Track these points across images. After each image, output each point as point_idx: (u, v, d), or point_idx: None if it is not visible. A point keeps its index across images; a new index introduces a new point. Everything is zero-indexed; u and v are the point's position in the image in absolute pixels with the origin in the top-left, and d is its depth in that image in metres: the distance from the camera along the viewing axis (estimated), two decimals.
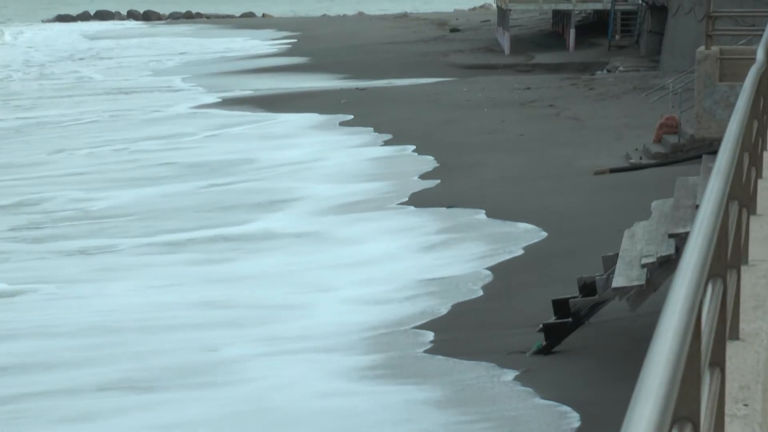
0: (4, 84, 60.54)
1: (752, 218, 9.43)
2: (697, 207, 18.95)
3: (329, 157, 35.42)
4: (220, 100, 49.81)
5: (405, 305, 20.39)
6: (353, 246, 24.88)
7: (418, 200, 28.44)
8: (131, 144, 39.02)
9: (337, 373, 17.42)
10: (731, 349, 6.50)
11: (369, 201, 28.95)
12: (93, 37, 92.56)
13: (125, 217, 28.24)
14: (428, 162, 33.06)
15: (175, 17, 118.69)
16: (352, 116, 42.68)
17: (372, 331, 19.04)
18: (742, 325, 7.30)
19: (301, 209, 28.45)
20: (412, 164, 33.23)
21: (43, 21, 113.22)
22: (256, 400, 16.53)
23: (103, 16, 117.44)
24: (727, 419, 5.77)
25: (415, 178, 31.31)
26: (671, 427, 3.63)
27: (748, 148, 8.74)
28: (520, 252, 23.17)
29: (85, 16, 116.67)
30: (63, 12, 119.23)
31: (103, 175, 33.97)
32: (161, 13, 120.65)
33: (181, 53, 75.03)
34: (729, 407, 5.93)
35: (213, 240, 25.61)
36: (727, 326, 6.16)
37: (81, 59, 73.99)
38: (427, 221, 26.22)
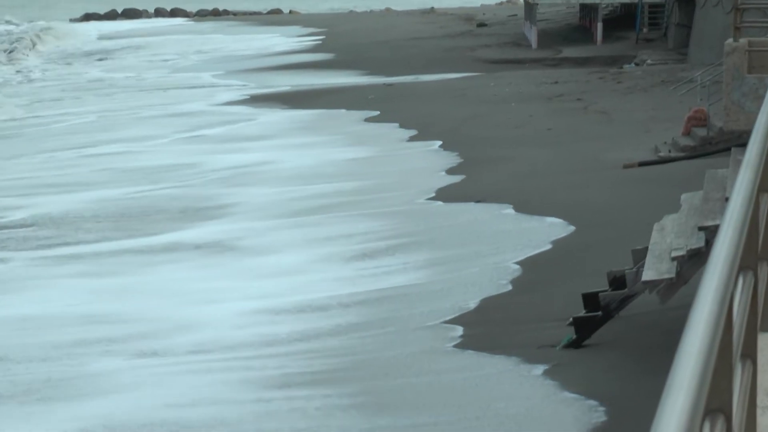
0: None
1: None
2: (726, 199, 18.90)
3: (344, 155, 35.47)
4: (247, 96, 49.75)
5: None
6: (262, 257, 24.64)
7: (445, 195, 28.42)
8: (107, 146, 38.95)
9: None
10: (763, 341, 6.47)
11: (391, 198, 28.94)
12: (115, 36, 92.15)
13: (31, 227, 28.01)
14: (454, 157, 33.00)
15: (202, 14, 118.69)
16: (378, 112, 42.63)
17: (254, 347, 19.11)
18: None
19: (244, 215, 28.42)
20: (438, 159, 33.17)
21: (71, 20, 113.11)
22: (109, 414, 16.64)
23: (130, 14, 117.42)
24: (759, 411, 5.74)
25: (442, 173, 31.29)
26: (703, 420, 3.62)
27: None
28: (549, 246, 23.15)
29: (112, 15, 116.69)
30: (91, 10, 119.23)
31: (38, 180, 33.99)
32: (188, 10, 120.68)
33: (205, 51, 74.77)
34: (761, 399, 5.91)
35: (114, 253, 25.54)
36: (759, 318, 6.12)
37: (101, 59, 73.77)
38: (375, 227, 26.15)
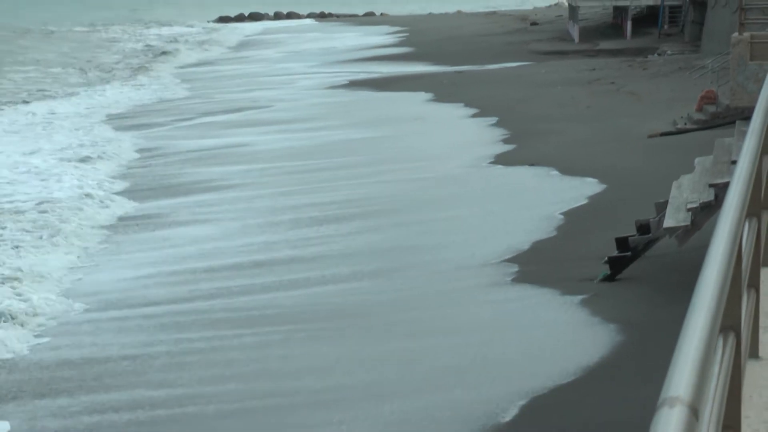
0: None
1: None
2: (732, 162, 18.62)
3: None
4: (347, 81, 49.75)
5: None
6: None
7: (503, 160, 28.36)
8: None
9: None
10: (765, 273, 6.37)
11: (460, 161, 28.87)
12: (256, 34, 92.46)
13: None
14: (508, 130, 32.85)
15: (312, 16, 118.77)
16: (449, 94, 42.45)
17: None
18: None
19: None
20: (495, 132, 33.02)
21: (208, 21, 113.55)
22: None
23: (255, 17, 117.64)
24: (761, 330, 5.68)
25: (499, 143, 31.16)
26: (719, 335, 3.59)
27: None
28: (586, 201, 23.06)
29: (240, 17, 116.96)
30: (223, 13, 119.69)
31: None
32: (300, 13, 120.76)
33: (317, 46, 74.86)
34: (763, 320, 5.82)
35: None
36: (761, 255, 6.05)
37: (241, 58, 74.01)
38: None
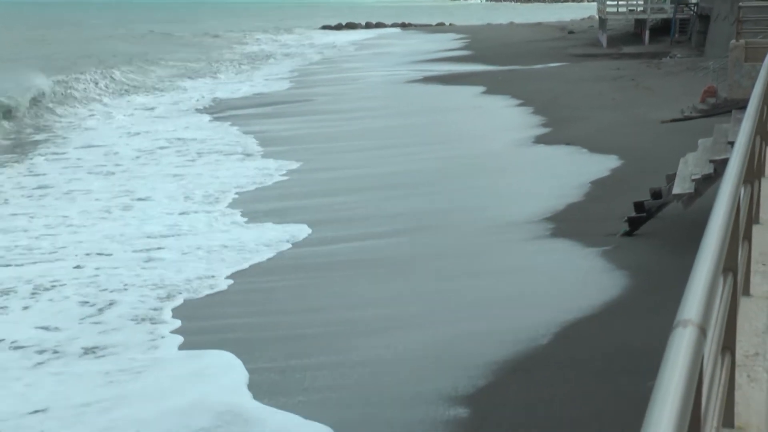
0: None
1: None
2: (729, 143, 18.21)
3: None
4: (422, 77, 49.59)
5: None
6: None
7: (542, 140, 28.18)
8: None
9: None
10: (756, 229, 6.33)
11: (506, 140, 28.70)
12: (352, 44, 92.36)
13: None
14: (547, 117, 32.54)
15: (396, 26, 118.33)
16: (500, 88, 42.15)
17: None
18: (762, 215, 7.13)
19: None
20: (536, 118, 32.75)
21: (313, 28, 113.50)
22: None
23: (351, 26, 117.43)
24: (752, 273, 5.64)
25: (539, 126, 30.91)
26: (721, 275, 3.57)
27: (766, 104, 8.60)
28: (609, 173, 22.85)
29: (339, 27, 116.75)
30: (325, 23, 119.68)
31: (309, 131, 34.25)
32: (386, 23, 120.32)
33: (399, 49, 74.63)
34: (754, 265, 5.78)
35: None
36: (753, 214, 6.00)
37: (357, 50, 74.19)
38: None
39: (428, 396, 11.09)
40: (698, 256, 3.12)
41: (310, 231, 18.95)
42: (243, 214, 20.50)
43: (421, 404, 10.90)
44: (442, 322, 13.56)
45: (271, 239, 18.48)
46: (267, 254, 17.52)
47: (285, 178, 24.51)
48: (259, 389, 11.60)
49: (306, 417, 10.83)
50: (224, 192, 22.73)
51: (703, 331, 2.58)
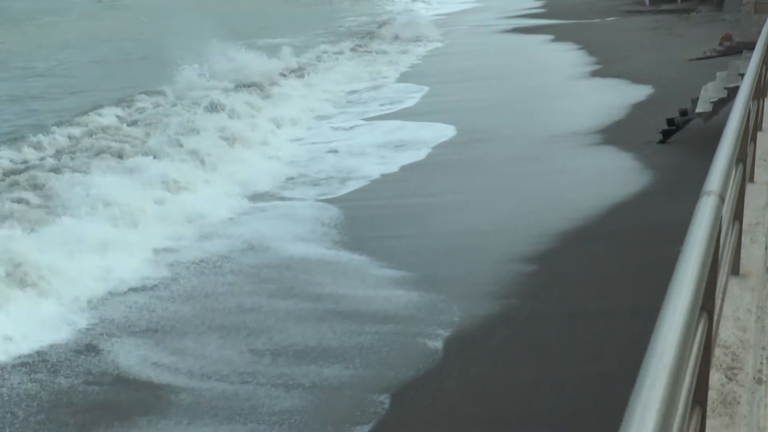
0: None
1: None
2: (740, 75, 17.26)
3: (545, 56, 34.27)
4: (511, 28, 48.26)
5: None
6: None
7: (597, 73, 27.30)
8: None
9: None
10: (759, 135, 6.06)
11: (567, 74, 27.88)
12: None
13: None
14: (601, 58, 31.32)
15: None
16: (564, 37, 40.76)
17: None
18: (765, 125, 6.81)
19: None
20: (592, 59, 31.61)
21: None
22: None
23: None
24: (756, 166, 5.48)
25: (593, 64, 29.88)
26: (735, 164, 3.47)
27: None
28: (645, 98, 22.07)
29: None
30: None
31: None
32: None
33: (497, 5, 72.21)
34: (757, 161, 5.60)
35: None
36: (758, 123, 5.79)
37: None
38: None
39: (509, 256, 11.16)
40: (718, 149, 3.10)
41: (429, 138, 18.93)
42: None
43: (505, 262, 10.98)
44: (516, 202, 13.50)
45: (409, 138, 18.49)
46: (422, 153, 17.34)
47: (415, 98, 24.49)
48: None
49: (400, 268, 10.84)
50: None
51: (722, 199, 2.59)
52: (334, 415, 7.30)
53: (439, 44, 40.75)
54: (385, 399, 7.56)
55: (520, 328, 8.89)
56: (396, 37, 42.18)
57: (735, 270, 4.10)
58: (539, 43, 39.20)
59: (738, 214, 3.93)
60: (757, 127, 5.64)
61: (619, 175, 14.78)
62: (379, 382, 7.90)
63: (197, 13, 44.39)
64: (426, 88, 26.00)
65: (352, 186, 15.17)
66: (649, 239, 11.21)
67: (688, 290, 1.90)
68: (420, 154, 17.24)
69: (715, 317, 2.98)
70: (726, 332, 3.39)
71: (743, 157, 4.01)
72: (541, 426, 6.85)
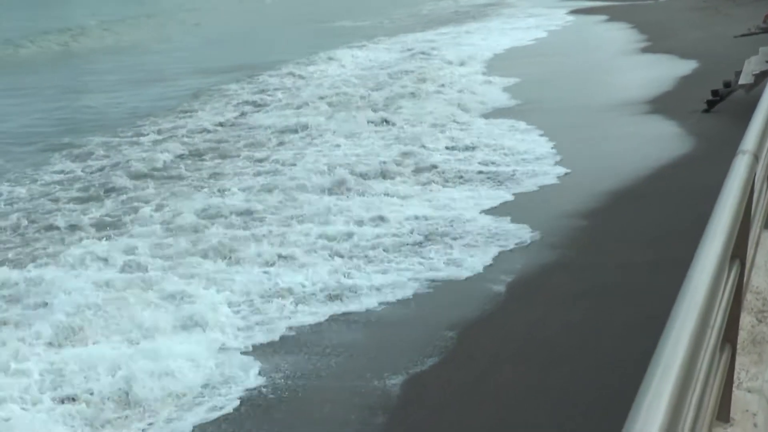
0: None
1: None
2: None
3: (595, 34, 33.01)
4: (569, 10, 46.53)
5: None
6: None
7: (647, 50, 26.20)
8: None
9: None
10: None
11: (619, 48, 26.83)
12: None
13: None
14: (650, 36, 30.01)
15: None
16: (618, 17, 39.14)
17: None
18: None
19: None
20: (641, 36, 30.32)
21: None
22: None
23: None
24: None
25: (644, 41, 28.68)
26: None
27: None
28: (691, 72, 21.11)
29: None
30: None
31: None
32: None
33: None
34: None
35: None
36: None
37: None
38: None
39: (566, 212, 10.97)
40: (755, 112, 2.94)
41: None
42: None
43: (562, 217, 10.81)
44: (572, 165, 13.19)
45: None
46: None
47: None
48: None
49: None
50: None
51: (756, 157, 2.46)
52: (408, 347, 7.39)
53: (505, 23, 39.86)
54: (453, 335, 7.57)
55: (574, 276, 8.76)
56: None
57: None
58: (595, 23, 37.77)
59: None
60: None
61: (665, 141, 14.26)
62: (447, 320, 7.92)
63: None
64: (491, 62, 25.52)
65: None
66: (692, 198, 10.81)
67: (720, 239, 1.82)
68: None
69: (747, 265, 2.87)
70: (758, 279, 3.26)
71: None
72: (590, 362, 6.81)
